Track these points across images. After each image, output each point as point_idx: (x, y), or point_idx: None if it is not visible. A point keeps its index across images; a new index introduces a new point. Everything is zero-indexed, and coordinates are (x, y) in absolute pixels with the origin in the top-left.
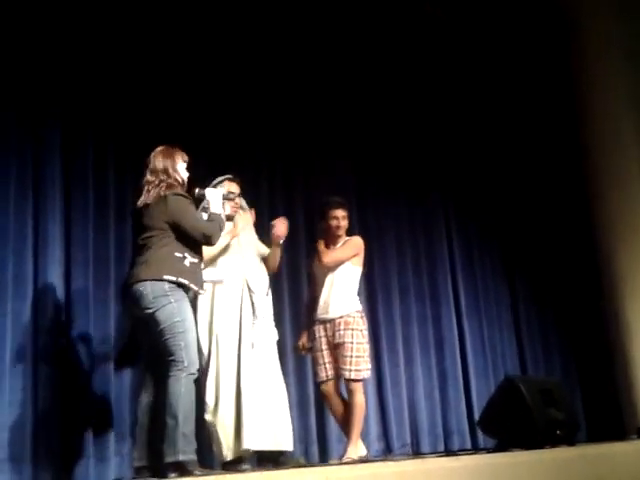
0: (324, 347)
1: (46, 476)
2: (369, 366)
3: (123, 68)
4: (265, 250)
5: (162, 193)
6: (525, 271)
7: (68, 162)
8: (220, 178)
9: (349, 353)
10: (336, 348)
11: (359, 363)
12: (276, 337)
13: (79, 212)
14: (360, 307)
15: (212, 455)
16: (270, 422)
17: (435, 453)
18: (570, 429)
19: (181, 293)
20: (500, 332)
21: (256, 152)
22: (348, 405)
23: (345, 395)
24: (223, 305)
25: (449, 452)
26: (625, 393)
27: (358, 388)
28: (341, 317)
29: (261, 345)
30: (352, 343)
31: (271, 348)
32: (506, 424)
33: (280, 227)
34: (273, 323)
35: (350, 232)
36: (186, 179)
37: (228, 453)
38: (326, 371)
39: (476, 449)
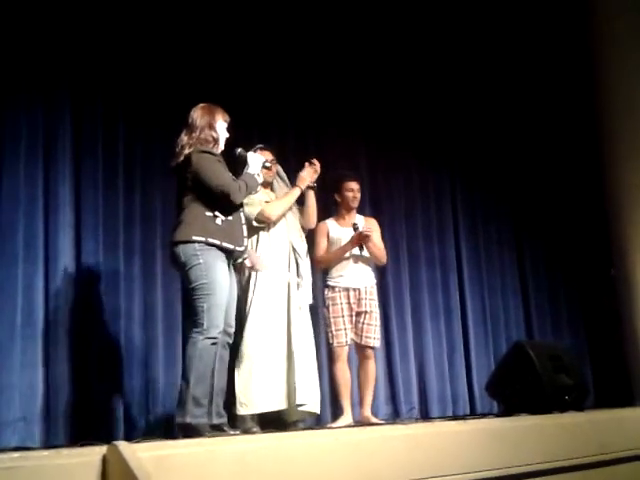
0: (346, 313)
1: (57, 436)
2: None
3: (133, 32)
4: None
5: (189, 151)
6: (534, 238)
7: (78, 126)
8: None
9: (374, 322)
10: (358, 315)
11: (379, 332)
12: (310, 300)
13: (89, 176)
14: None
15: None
16: (312, 383)
17: (442, 417)
18: (579, 395)
19: (213, 253)
20: (507, 299)
21: (267, 123)
22: (363, 370)
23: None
24: (270, 274)
25: (457, 416)
26: (633, 360)
27: (374, 355)
28: (366, 287)
29: (302, 311)
30: (376, 313)
31: (307, 313)
32: (514, 389)
33: (306, 171)
34: (311, 286)
35: (361, 203)
36: (223, 139)
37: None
38: (346, 336)
39: (483, 414)
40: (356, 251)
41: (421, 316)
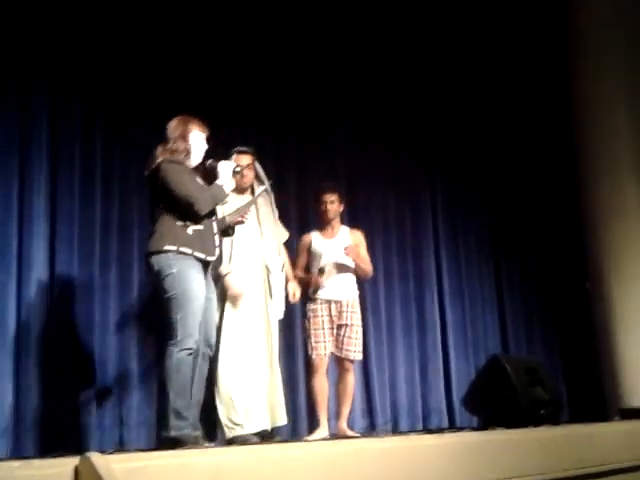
0: (327, 326)
1: (27, 447)
2: None
3: (112, 36)
4: (283, 235)
5: (158, 161)
6: (510, 252)
7: (54, 134)
8: (235, 149)
9: (355, 335)
10: (339, 328)
11: (360, 345)
12: (281, 315)
13: (65, 186)
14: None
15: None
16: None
17: (415, 431)
18: (554, 409)
19: (186, 262)
20: (483, 313)
21: (248, 133)
22: (342, 383)
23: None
24: (243, 283)
25: (431, 430)
26: (608, 374)
27: (353, 368)
28: (348, 300)
29: (275, 323)
30: (358, 326)
31: (276, 324)
32: (490, 403)
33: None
34: (284, 301)
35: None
36: (198, 150)
37: (251, 427)
38: (325, 349)
39: (459, 427)
40: (335, 263)
41: (397, 330)
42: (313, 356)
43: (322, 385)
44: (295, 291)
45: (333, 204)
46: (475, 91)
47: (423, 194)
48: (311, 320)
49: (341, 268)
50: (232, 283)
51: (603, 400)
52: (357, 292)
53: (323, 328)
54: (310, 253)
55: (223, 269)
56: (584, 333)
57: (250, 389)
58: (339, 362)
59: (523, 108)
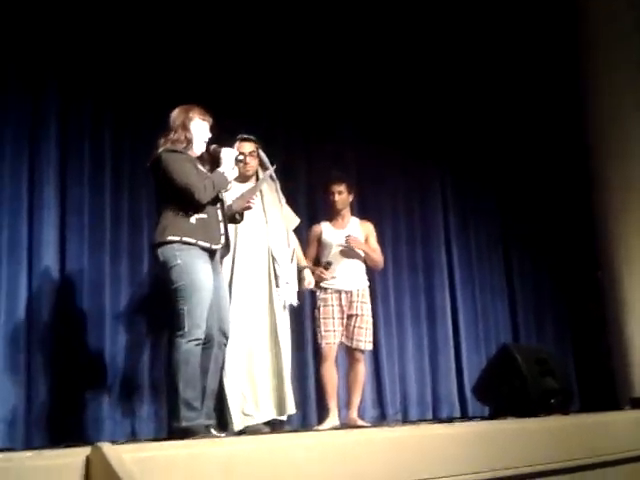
0: (337, 315)
1: (39, 438)
2: None
3: (122, 31)
4: (294, 221)
5: (159, 151)
6: (521, 241)
7: (64, 124)
8: (239, 136)
9: (365, 325)
10: (349, 318)
11: (370, 335)
12: (295, 302)
13: (75, 175)
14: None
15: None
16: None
17: (425, 420)
18: (564, 398)
19: (192, 252)
20: (493, 301)
21: (256, 122)
22: (352, 373)
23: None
24: (244, 274)
25: (442, 419)
26: (619, 364)
27: (364, 358)
28: (358, 290)
29: (282, 312)
30: (368, 316)
31: (286, 314)
32: (501, 392)
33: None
34: (296, 289)
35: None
36: (200, 138)
37: (257, 417)
38: (334, 337)
39: (469, 417)
40: (345, 253)
41: (407, 320)
42: (323, 344)
43: (331, 374)
44: (310, 279)
45: (342, 194)
46: (486, 82)
47: (433, 184)
48: (321, 309)
49: (351, 258)
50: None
51: (614, 389)
52: (367, 282)
53: (333, 317)
54: (320, 243)
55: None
56: (595, 322)
57: (255, 379)
58: (349, 352)
59: (534, 97)
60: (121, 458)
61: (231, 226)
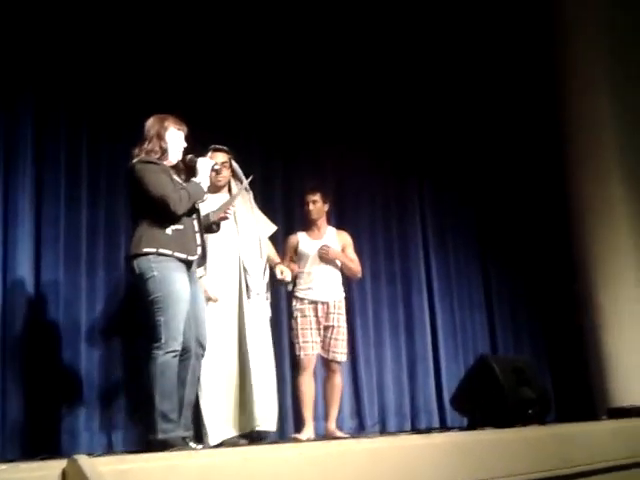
0: (313, 326)
1: (15, 451)
2: None
3: (97, 42)
4: (269, 229)
5: (133, 162)
6: (498, 254)
7: (39, 134)
8: (211, 147)
9: (341, 337)
10: (326, 330)
11: (345, 347)
12: (269, 314)
13: (50, 187)
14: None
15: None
16: (268, 401)
17: (404, 431)
18: (541, 408)
19: (168, 264)
20: (471, 314)
21: (233, 132)
22: (330, 384)
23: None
24: (217, 285)
25: (420, 430)
26: (596, 375)
27: (340, 369)
28: (334, 301)
29: (255, 324)
30: (344, 327)
31: (265, 327)
32: (478, 402)
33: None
34: (268, 301)
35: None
36: (175, 148)
37: (228, 431)
38: (312, 349)
39: (447, 427)
40: (322, 264)
41: (385, 331)
42: (301, 356)
43: (309, 385)
44: (284, 271)
45: (316, 203)
46: (462, 94)
47: (411, 197)
48: (299, 320)
49: (328, 268)
50: (206, 287)
51: (591, 400)
52: (343, 293)
53: (311, 328)
54: (297, 254)
55: (197, 271)
56: (572, 334)
57: (225, 392)
58: (326, 364)
59: (510, 112)
60: (98, 471)
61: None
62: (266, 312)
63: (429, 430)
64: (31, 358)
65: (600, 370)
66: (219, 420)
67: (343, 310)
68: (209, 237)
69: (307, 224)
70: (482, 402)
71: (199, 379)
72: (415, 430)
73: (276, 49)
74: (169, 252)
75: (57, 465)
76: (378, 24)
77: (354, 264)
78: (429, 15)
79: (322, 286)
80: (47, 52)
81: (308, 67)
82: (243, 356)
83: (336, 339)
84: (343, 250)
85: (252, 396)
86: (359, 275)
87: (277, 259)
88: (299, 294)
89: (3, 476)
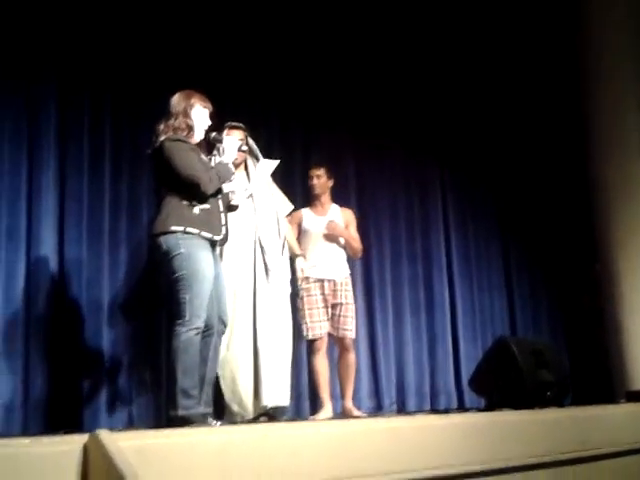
0: (320, 305)
1: (37, 425)
2: None
3: (119, 19)
4: (286, 208)
5: (162, 139)
6: (518, 234)
7: (63, 112)
8: (227, 124)
9: (350, 314)
10: (334, 307)
11: (354, 323)
12: (288, 292)
13: (73, 164)
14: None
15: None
16: (280, 378)
17: (422, 412)
18: (560, 391)
19: (194, 242)
20: (491, 295)
21: (253, 108)
22: (343, 362)
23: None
24: (233, 264)
25: (436, 410)
26: (615, 357)
27: (353, 346)
28: (341, 278)
29: (274, 303)
30: (352, 304)
31: (284, 305)
32: (497, 384)
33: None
34: (287, 279)
35: (346, 196)
36: (201, 126)
37: (243, 410)
38: (321, 329)
39: (465, 408)
40: (327, 242)
41: (405, 311)
42: (310, 337)
43: (322, 366)
44: (304, 266)
45: (320, 178)
46: (483, 77)
47: (432, 178)
48: (305, 300)
49: (332, 246)
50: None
51: (610, 383)
52: (349, 270)
53: (318, 307)
54: (301, 229)
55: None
56: (592, 316)
57: (239, 370)
58: (338, 341)
59: (532, 91)
60: (118, 446)
61: None
62: (285, 290)
63: (447, 411)
64: (54, 333)
65: (619, 353)
66: (237, 398)
67: (350, 287)
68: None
69: (313, 200)
70: (500, 384)
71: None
72: (433, 410)
73: (299, 31)
74: (196, 231)
75: (79, 440)
76: (407, 13)
77: (356, 243)
78: (458, 3)
79: (327, 263)
80: (70, 29)
81: (332, 44)
82: (256, 336)
83: (345, 316)
84: (346, 228)
85: (260, 377)
86: (360, 254)
87: (298, 250)
88: (305, 272)
89: (25, 449)
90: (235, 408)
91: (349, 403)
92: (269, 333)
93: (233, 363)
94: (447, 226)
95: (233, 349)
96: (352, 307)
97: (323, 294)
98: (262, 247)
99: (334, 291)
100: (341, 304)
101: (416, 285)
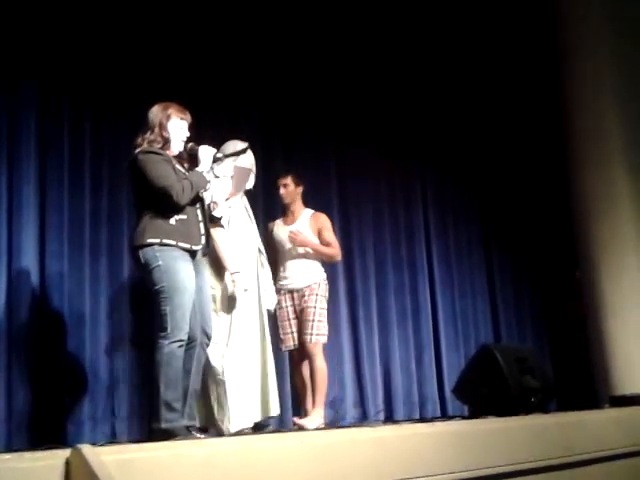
0: (291, 316)
1: (19, 440)
2: (327, 331)
3: (100, 29)
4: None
5: (136, 152)
6: (501, 241)
7: (43, 124)
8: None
9: (311, 317)
10: (301, 314)
11: (320, 327)
12: (273, 306)
13: (54, 176)
14: (324, 275)
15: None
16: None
17: (406, 420)
18: (544, 397)
19: (172, 254)
20: (474, 302)
21: (234, 116)
22: (309, 370)
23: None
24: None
25: (423, 419)
26: (598, 363)
27: (319, 352)
28: (310, 285)
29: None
30: (315, 307)
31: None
32: (481, 391)
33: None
34: (273, 288)
35: (329, 204)
36: (178, 137)
37: (250, 419)
38: (293, 340)
39: (450, 416)
40: (294, 251)
41: (388, 320)
42: (283, 349)
43: (301, 377)
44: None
45: (287, 187)
46: (465, 81)
47: (414, 185)
48: (277, 313)
49: (302, 254)
50: (238, 282)
51: (594, 388)
52: (321, 276)
53: (288, 319)
54: (272, 240)
55: (230, 267)
56: (575, 322)
57: (244, 383)
58: (301, 348)
59: (513, 99)
60: (101, 460)
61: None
62: (273, 302)
63: (431, 419)
64: (36, 346)
65: (603, 358)
66: (242, 408)
67: (320, 290)
68: (229, 228)
69: (283, 209)
70: (485, 391)
71: (207, 368)
72: (418, 419)
73: (278, 37)
74: (173, 242)
75: (61, 455)
76: (386, 14)
77: (329, 249)
78: (435, 5)
79: (297, 273)
80: (51, 40)
81: (311, 55)
82: (263, 346)
83: (306, 320)
84: (320, 233)
85: (268, 385)
86: (338, 259)
87: (226, 264)
88: (276, 285)
89: (7, 465)
90: (238, 419)
91: (320, 413)
92: (269, 343)
93: (244, 374)
94: (428, 233)
95: (244, 360)
96: (314, 310)
97: (293, 305)
98: (260, 251)
99: (302, 299)
100: (303, 309)
101: (401, 292)
